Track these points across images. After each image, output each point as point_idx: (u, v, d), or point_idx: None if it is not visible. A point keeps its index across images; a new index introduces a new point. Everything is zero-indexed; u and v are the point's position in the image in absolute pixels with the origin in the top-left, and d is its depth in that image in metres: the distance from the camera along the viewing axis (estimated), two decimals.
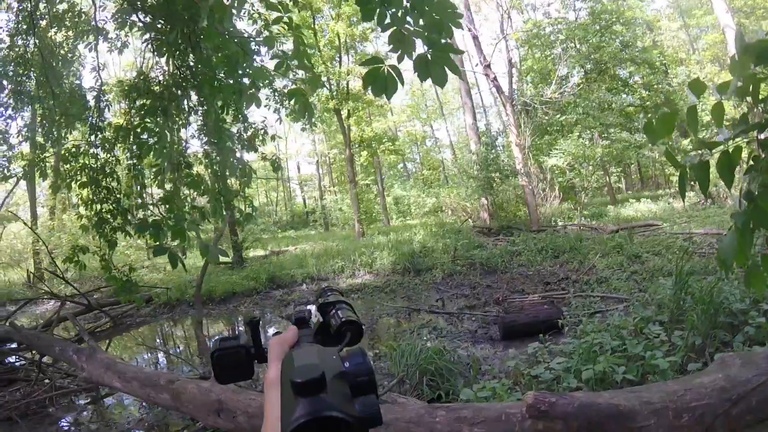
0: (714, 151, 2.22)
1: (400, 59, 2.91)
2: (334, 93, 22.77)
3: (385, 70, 2.81)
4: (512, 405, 2.83)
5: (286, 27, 4.84)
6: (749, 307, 5.38)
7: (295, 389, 0.54)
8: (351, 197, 23.69)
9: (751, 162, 2.25)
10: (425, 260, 13.28)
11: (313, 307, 0.99)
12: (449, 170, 39.73)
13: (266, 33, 5.19)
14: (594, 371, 4.26)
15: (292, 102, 8.61)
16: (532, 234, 15.75)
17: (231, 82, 5.35)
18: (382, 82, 2.82)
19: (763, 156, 2.22)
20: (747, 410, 2.89)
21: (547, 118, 22.48)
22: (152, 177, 6.66)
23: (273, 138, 9.50)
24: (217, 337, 0.89)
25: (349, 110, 23.72)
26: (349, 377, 0.62)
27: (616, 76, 24.97)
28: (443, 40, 2.85)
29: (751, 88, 2.14)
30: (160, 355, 8.86)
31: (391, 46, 2.93)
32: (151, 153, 5.48)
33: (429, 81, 2.94)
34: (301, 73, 5.66)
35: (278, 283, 13.36)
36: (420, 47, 2.93)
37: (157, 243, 4.56)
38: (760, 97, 2.22)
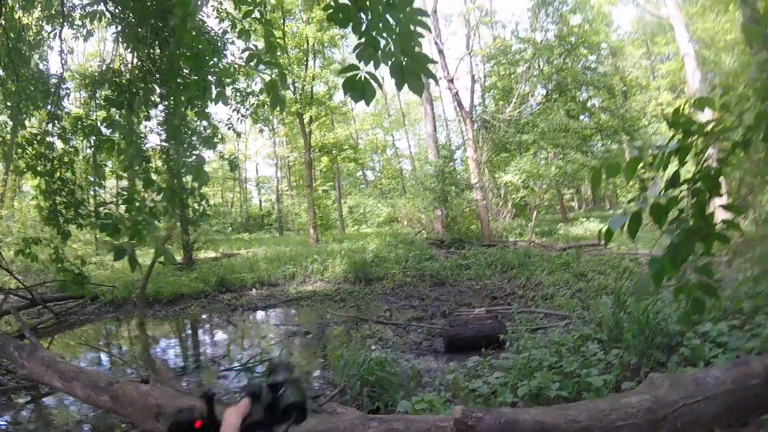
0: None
1: (376, 66, 2.98)
2: (298, 96, 22.60)
3: (362, 77, 2.91)
4: (443, 418, 2.85)
5: (256, 21, 4.86)
6: (685, 329, 5.56)
7: None
8: (308, 202, 23.51)
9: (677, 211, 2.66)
10: (377, 270, 13.32)
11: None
12: (407, 180, 39.98)
13: (234, 31, 5.17)
14: (529, 387, 4.34)
15: (253, 100, 8.52)
16: (483, 248, 15.98)
17: (197, 78, 5.30)
18: (360, 89, 2.92)
19: (694, 201, 2.61)
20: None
21: (506, 135, 22.90)
22: (111, 171, 6.50)
23: (239, 135, 9.39)
24: (174, 409, 0.92)
25: (311, 115, 23.59)
26: None
27: (576, 98, 25.70)
28: (416, 48, 2.95)
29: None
30: (103, 355, 8.55)
31: (362, 54, 2.99)
32: (114, 148, 5.36)
33: (394, 91, 3.03)
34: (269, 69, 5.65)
35: (227, 287, 13.13)
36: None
37: (117, 244, 4.44)
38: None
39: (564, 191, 26.04)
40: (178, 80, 5.33)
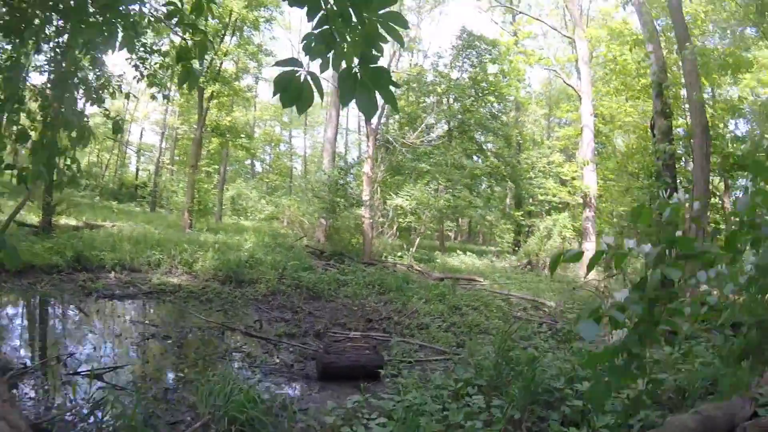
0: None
1: (323, 68, 2.43)
2: (204, 70, 20.97)
3: (302, 76, 2.36)
4: None
5: None
6: (564, 386, 5.60)
7: None
8: (188, 183, 21.82)
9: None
10: (250, 272, 12.45)
11: None
12: (296, 180, 39.14)
13: None
14: None
15: (156, 59, 7.48)
16: (363, 266, 15.71)
17: (104, 19, 4.39)
18: (296, 90, 2.38)
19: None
20: None
21: (403, 159, 23.06)
22: None
23: (127, 96, 8.26)
24: None
25: (213, 92, 22.08)
26: None
27: (474, 139, 26.63)
28: (378, 59, 2.42)
29: None
30: None
31: (310, 47, 2.44)
32: None
33: None
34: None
35: (84, 265, 11.38)
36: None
37: None
38: None
39: (446, 222, 26.76)
40: (82, 17, 4.40)
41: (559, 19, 31.51)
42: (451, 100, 27.12)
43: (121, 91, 7.98)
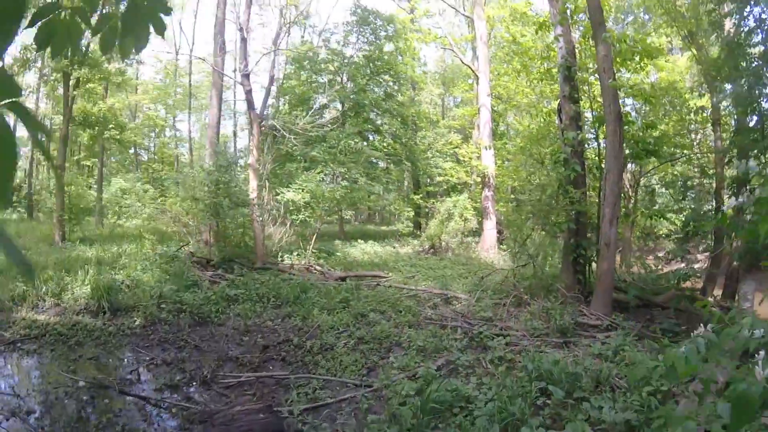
0: None
1: None
2: (68, 52, 18.11)
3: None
4: None
5: None
6: None
7: None
8: (56, 188, 19.04)
9: None
10: (127, 296, 10.95)
11: None
12: (184, 168, 36.54)
13: None
14: None
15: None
16: (256, 273, 14.54)
17: None
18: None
19: None
20: None
21: (294, 147, 21.51)
22: None
23: None
24: None
25: (79, 78, 19.38)
26: None
27: (370, 120, 25.90)
28: None
29: None
30: None
31: None
32: None
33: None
34: None
35: None
36: None
37: None
38: None
39: (346, 212, 25.97)
40: None
41: None
42: (344, 79, 26.13)
43: None
